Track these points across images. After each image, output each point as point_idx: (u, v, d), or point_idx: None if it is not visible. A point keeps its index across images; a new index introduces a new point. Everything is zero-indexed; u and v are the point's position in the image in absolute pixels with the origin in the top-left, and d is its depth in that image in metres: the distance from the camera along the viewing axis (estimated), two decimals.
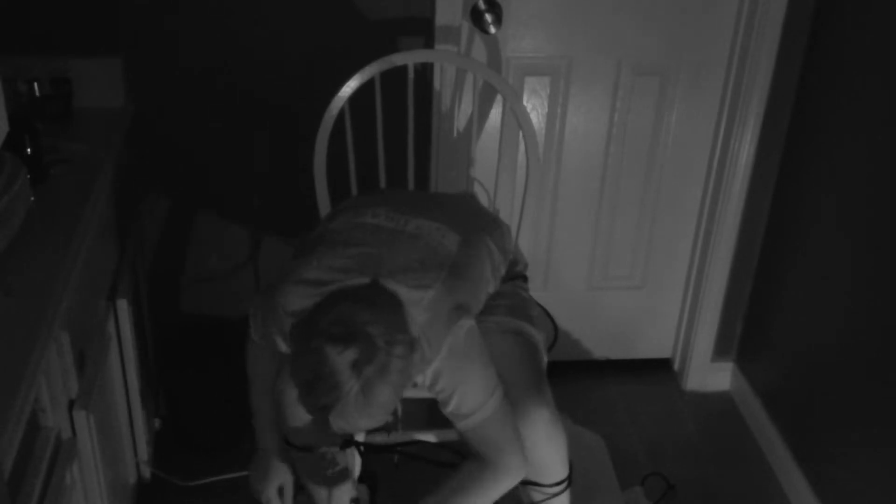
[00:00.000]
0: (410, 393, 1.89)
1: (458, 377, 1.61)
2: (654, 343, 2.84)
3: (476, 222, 1.88)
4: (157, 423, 2.40)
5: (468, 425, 1.63)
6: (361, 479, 1.85)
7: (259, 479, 1.88)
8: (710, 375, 2.76)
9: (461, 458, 1.86)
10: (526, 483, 1.81)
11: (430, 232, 1.73)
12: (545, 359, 1.88)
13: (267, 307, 1.64)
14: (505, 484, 1.69)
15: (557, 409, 1.79)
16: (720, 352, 2.75)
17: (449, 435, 1.82)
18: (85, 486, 1.65)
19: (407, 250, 1.67)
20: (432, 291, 1.59)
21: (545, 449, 1.78)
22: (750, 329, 2.68)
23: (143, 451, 2.18)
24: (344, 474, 1.88)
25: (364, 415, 1.47)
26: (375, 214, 1.76)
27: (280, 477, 1.87)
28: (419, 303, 1.57)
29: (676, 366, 2.84)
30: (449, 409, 1.63)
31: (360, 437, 1.94)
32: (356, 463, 1.88)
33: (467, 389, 1.62)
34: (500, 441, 1.66)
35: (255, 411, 1.87)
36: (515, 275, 1.97)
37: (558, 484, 1.82)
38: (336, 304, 1.52)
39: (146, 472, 2.21)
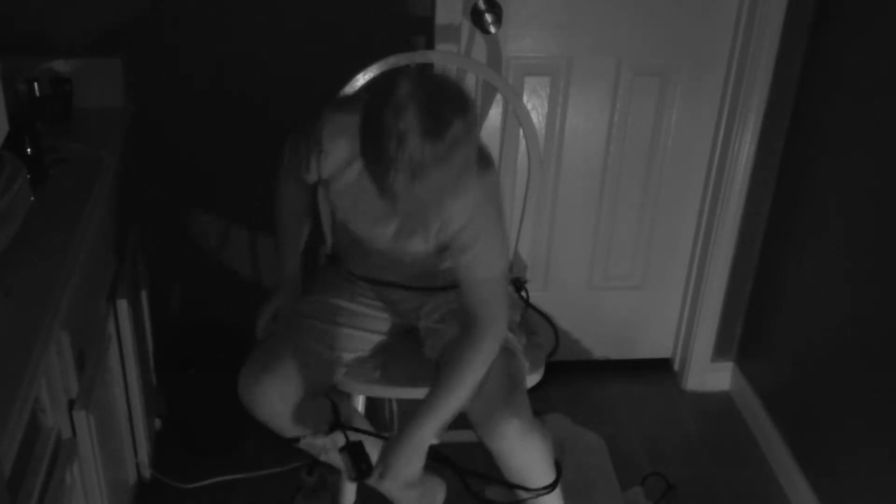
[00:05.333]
0: (408, 394, 1.89)
1: (485, 225, 1.61)
2: (653, 343, 2.84)
3: None
4: (157, 423, 2.40)
5: (478, 278, 1.63)
6: (342, 449, 1.76)
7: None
8: (710, 375, 2.76)
9: (450, 459, 1.85)
10: (512, 486, 1.80)
11: None
12: (525, 364, 1.84)
13: (306, 132, 1.69)
14: (486, 350, 1.66)
15: (533, 415, 1.75)
16: (720, 352, 2.74)
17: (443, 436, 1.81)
18: (85, 486, 1.65)
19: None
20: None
21: (521, 458, 1.75)
22: (750, 329, 2.68)
23: (143, 451, 2.18)
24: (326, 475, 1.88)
25: (433, 158, 1.34)
26: None
27: (278, 300, 1.95)
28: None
29: (676, 366, 2.84)
30: (466, 258, 1.62)
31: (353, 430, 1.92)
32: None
33: (489, 242, 1.62)
34: (496, 301, 1.66)
35: (278, 244, 1.96)
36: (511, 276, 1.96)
37: (545, 488, 1.80)
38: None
39: (146, 472, 2.21)
